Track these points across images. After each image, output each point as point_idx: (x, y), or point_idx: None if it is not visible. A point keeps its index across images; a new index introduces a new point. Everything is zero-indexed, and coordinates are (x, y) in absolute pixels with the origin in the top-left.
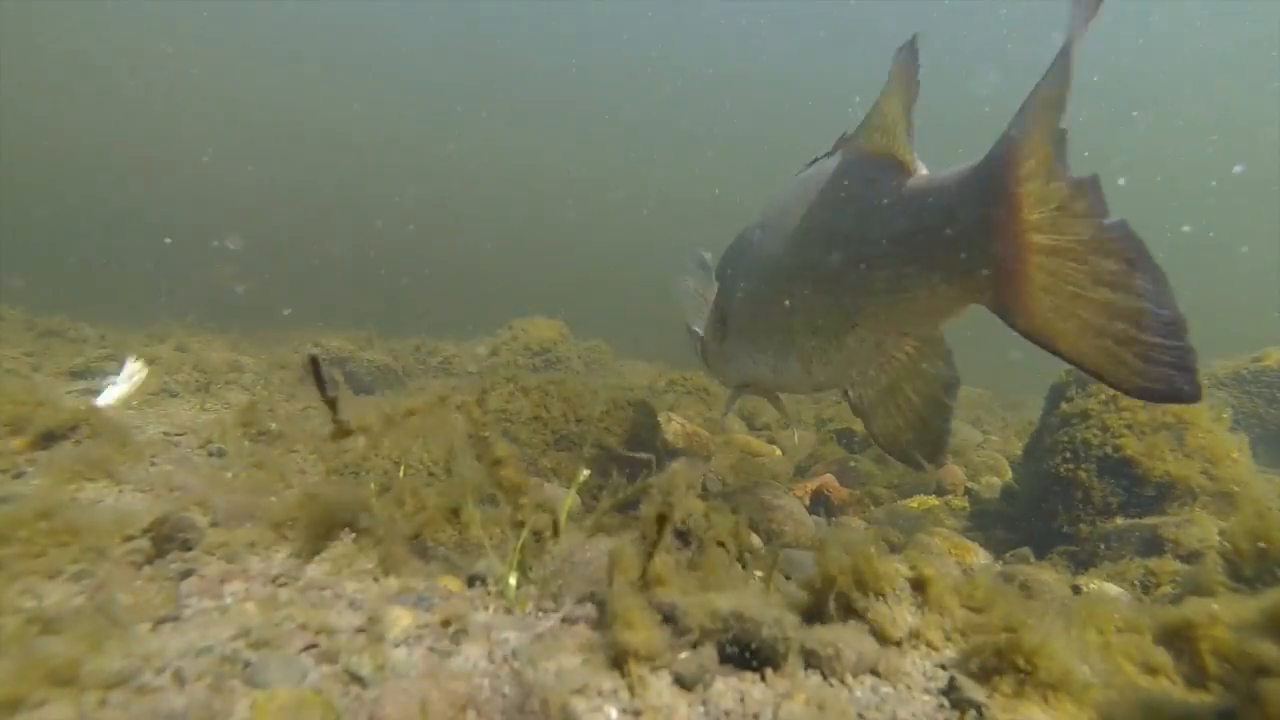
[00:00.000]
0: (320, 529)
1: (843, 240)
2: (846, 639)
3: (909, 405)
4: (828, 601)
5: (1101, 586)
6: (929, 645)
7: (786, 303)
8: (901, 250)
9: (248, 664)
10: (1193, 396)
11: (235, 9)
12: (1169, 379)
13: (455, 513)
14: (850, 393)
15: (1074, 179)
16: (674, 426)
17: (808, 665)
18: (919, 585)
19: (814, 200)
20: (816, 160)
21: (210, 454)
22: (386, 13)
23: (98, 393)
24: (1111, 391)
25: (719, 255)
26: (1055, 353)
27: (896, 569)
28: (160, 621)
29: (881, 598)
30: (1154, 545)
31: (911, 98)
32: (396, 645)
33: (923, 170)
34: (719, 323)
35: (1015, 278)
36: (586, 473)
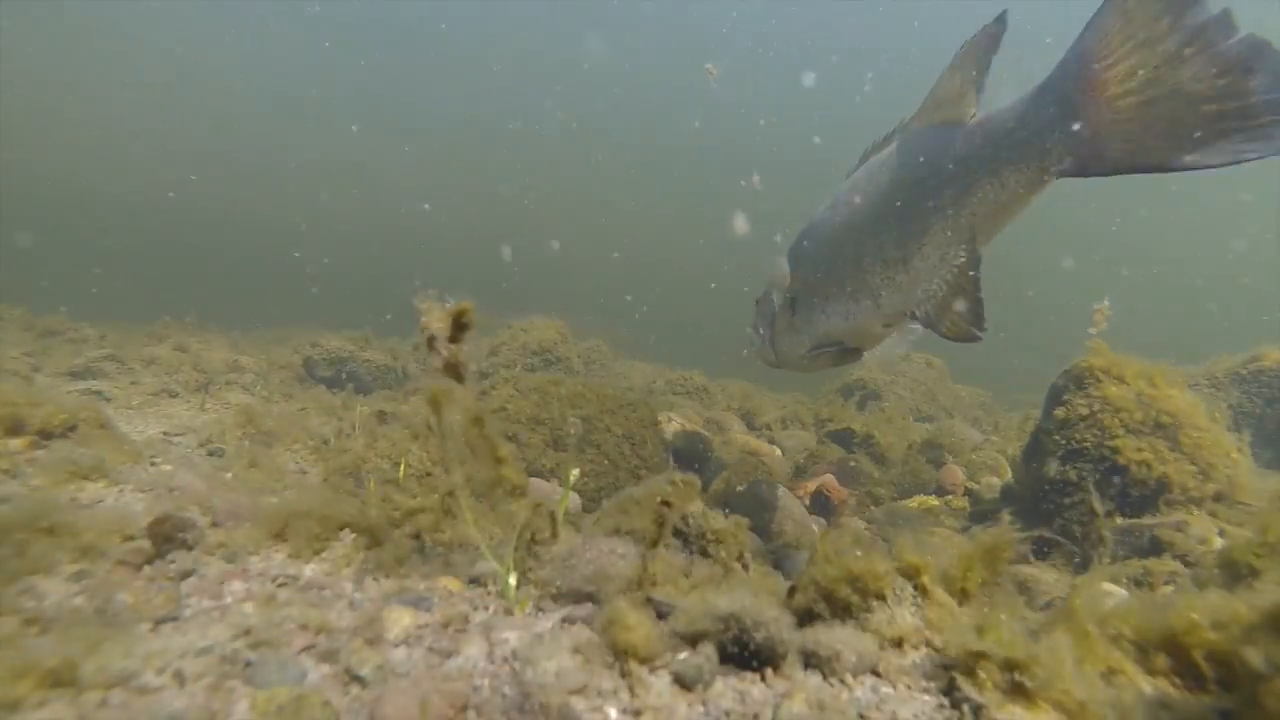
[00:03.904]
0: (320, 529)
1: (910, 182)
2: (846, 639)
3: (964, 302)
4: (827, 603)
5: (1101, 586)
6: (929, 645)
7: (859, 251)
8: (969, 165)
9: (248, 664)
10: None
11: (248, 9)
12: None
13: (453, 514)
14: (918, 311)
15: (1186, 32)
16: (674, 427)
17: (807, 665)
18: (910, 574)
19: (879, 170)
20: (866, 153)
21: (210, 454)
22: (401, 14)
23: None
24: (1107, 394)
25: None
26: (1147, 170)
27: (893, 567)
28: (160, 621)
29: (880, 599)
30: (1152, 545)
31: (981, 70)
32: (396, 645)
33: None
34: (788, 305)
35: (1102, 139)
36: (577, 471)
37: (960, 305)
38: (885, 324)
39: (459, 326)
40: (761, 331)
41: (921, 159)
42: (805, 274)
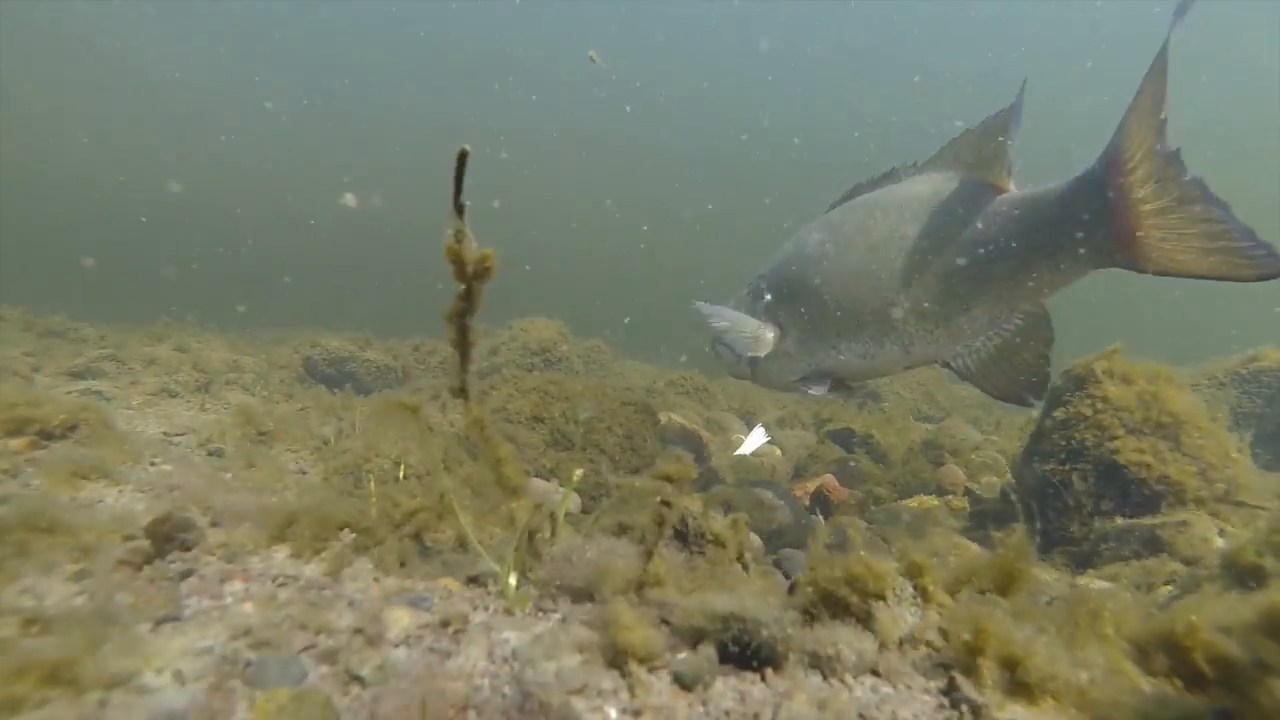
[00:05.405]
0: (320, 529)
1: (951, 242)
2: (847, 639)
3: (1020, 362)
4: (827, 602)
5: (1101, 587)
6: (929, 645)
7: (885, 298)
8: (1025, 243)
9: (248, 664)
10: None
11: (250, 10)
12: (1267, 261)
13: (448, 513)
14: (953, 363)
15: (1164, 155)
16: (674, 427)
17: (808, 665)
18: (912, 574)
19: (903, 217)
20: (859, 187)
21: (210, 454)
22: (395, 13)
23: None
24: (1107, 394)
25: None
26: (1183, 275)
27: (894, 568)
28: (160, 621)
29: (880, 599)
30: (1152, 545)
31: (1011, 135)
32: (396, 645)
33: (1013, 187)
34: (775, 330)
35: (1136, 239)
36: (580, 472)
37: (1010, 369)
38: (907, 367)
39: (480, 273)
40: (733, 348)
41: (967, 224)
42: (803, 306)
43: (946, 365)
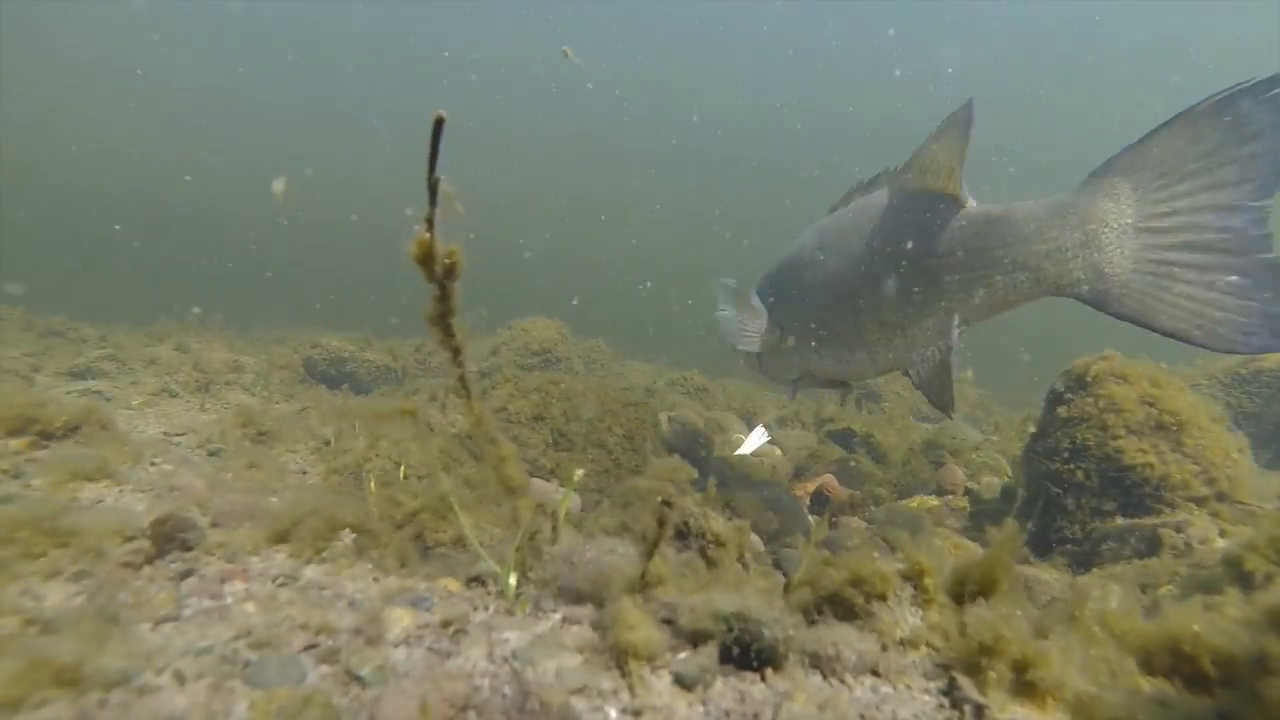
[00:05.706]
0: (321, 529)
1: (908, 255)
2: (847, 639)
3: (948, 375)
4: (828, 603)
5: (1101, 586)
6: (929, 645)
7: (855, 306)
8: (983, 259)
9: (248, 664)
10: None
11: (250, 11)
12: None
13: (448, 513)
14: (911, 372)
15: (1225, 228)
16: (672, 427)
17: (808, 665)
18: (913, 576)
19: (873, 226)
20: (852, 193)
21: (210, 454)
22: (392, 11)
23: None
24: (1109, 394)
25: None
26: (1151, 329)
27: (895, 568)
28: (160, 621)
29: (881, 599)
30: (1153, 545)
31: (963, 148)
32: (396, 645)
33: (973, 202)
34: (776, 329)
35: (1117, 282)
36: (581, 472)
37: (947, 379)
38: (877, 373)
39: (448, 272)
40: (725, 335)
41: (923, 236)
42: (794, 311)
43: (906, 374)
